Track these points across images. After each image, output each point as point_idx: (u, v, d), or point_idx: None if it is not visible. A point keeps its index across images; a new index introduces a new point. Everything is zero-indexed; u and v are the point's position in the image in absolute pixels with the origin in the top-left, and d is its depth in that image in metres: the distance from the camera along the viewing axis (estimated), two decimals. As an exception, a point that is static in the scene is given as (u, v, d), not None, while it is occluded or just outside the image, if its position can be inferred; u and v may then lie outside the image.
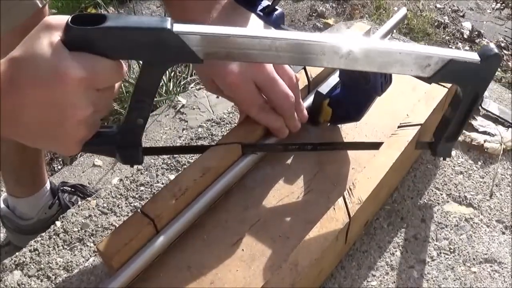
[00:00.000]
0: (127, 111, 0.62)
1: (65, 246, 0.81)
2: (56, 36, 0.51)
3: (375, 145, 0.77)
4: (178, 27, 0.54)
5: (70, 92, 0.51)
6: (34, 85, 0.50)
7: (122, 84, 1.79)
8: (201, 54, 0.56)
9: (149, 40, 0.54)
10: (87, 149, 0.63)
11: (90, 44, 0.52)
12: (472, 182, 0.87)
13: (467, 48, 2.49)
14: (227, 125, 1.01)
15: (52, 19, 0.52)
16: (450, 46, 2.50)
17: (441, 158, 0.90)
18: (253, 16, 0.76)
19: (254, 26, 0.75)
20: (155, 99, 1.71)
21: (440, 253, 0.77)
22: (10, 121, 0.53)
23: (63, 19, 0.52)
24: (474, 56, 0.62)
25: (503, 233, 0.81)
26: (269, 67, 0.72)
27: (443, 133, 0.73)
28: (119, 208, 0.85)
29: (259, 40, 0.57)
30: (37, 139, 0.57)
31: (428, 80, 0.62)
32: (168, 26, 0.54)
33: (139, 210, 0.67)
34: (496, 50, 0.62)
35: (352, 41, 0.59)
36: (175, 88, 1.79)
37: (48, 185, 1.23)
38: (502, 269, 0.76)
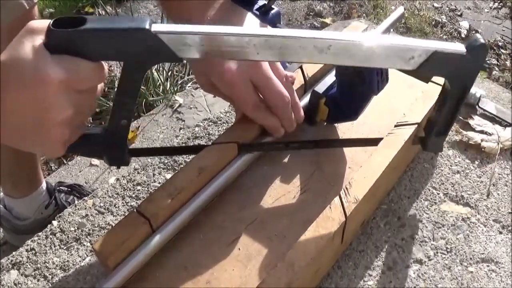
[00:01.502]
0: (111, 113, 0.62)
1: (62, 246, 0.80)
2: (39, 40, 0.52)
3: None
4: (157, 27, 0.55)
5: (51, 94, 0.52)
6: (16, 88, 0.51)
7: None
8: (180, 53, 0.57)
9: (128, 41, 0.55)
10: (73, 151, 0.63)
11: (71, 47, 0.53)
12: (469, 182, 0.87)
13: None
14: (224, 125, 1.01)
15: (35, 23, 0.53)
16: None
17: (438, 158, 0.90)
18: (249, 15, 0.76)
19: (250, 25, 0.75)
20: (152, 98, 1.71)
21: (437, 252, 0.77)
22: None
23: (46, 23, 0.53)
24: (460, 48, 0.61)
25: (500, 232, 0.80)
26: (266, 66, 0.72)
27: (433, 128, 0.73)
28: (115, 207, 0.85)
29: (237, 37, 0.57)
30: (21, 141, 0.57)
31: (413, 73, 0.61)
32: (147, 26, 0.54)
33: (135, 210, 0.67)
34: (482, 40, 0.60)
35: (332, 35, 0.58)
36: (172, 88, 1.79)
37: (44, 185, 1.23)
38: (499, 268, 0.76)
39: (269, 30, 0.58)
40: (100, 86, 0.59)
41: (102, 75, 0.56)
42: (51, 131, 0.55)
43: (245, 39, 0.57)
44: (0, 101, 0.51)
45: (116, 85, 0.60)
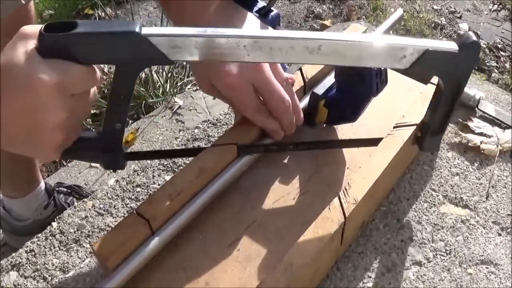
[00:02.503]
0: (105, 116, 0.63)
1: (61, 247, 0.80)
2: (31, 45, 0.52)
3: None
4: (147, 30, 0.55)
5: (43, 97, 0.52)
6: (9, 91, 0.52)
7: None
8: (171, 55, 0.57)
9: (119, 44, 0.55)
10: (69, 155, 0.63)
11: (62, 51, 0.53)
12: (469, 184, 0.87)
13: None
14: (224, 126, 1.01)
15: (28, 29, 0.53)
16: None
17: (437, 159, 0.90)
18: (250, 15, 0.76)
19: (251, 25, 0.75)
20: (152, 100, 1.71)
21: (436, 254, 0.77)
22: None
23: (38, 28, 0.53)
24: (452, 46, 0.62)
25: (499, 234, 0.81)
26: (267, 69, 0.72)
27: (428, 127, 0.73)
28: (115, 209, 0.85)
29: (228, 39, 0.57)
30: (15, 145, 0.58)
31: (406, 72, 0.62)
32: (137, 29, 0.54)
33: (134, 211, 0.67)
34: (474, 38, 0.61)
35: (321, 35, 0.59)
36: (171, 89, 1.79)
37: (42, 185, 1.23)
38: (498, 270, 0.76)
39: (258, 31, 0.58)
40: (93, 90, 0.60)
41: (94, 78, 0.57)
42: (45, 135, 0.56)
43: (235, 41, 0.57)
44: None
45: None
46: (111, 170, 0.84)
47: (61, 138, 0.57)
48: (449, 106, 0.70)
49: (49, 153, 0.59)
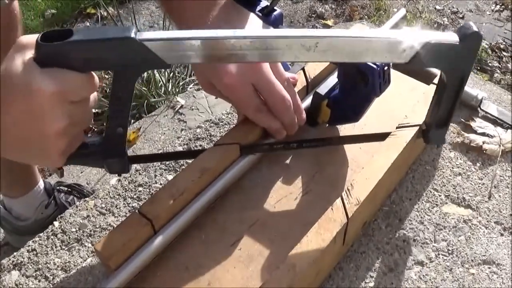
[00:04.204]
0: (107, 121, 0.63)
1: (63, 247, 0.80)
2: (29, 55, 0.53)
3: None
4: (143, 35, 0.55)
5: (43, 106, 0.53)
6: (9, 102, 0.53)
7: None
8: (168, 59, 0.57)
9: (114, 51, 0.55)
10: (73, 161, 0.63)
11: (59, 59, 0.54)
12: (471, 184, 0.87)
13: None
14: (226, 126, 1.01)
15: (24, 39, 0.54)
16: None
17: (440, 159, 0.90)
18: (252, 16, 0.76)
19: (253, 26, 0.75)
20: (154, 99, 1.71)
21: (439, 254, 0.77)
22: None
23: (35, 38, 0.54)
24: (452, 37, 0.60)
25: (502, 234, 0.80)
26: (267, 69, 0.72)
27: (433, 120, 0.72)
28: (117, 208, 0.85)
29: (223, 41, 0.57)
30: (21, 154, 0.59)
31: (407, 66, 0.60)
32: (132, 35, 0.54)
33: (137, 211, 0.67)
34: (474, 28, 0.59)
35: (318, 33, 0.58)
36: (174, 89, 1.79)
37: (41, 184, 1.23)
38: (501, 270, 0.76)
39: (253, 31, 0.58)
40: (94, 96, 0.60)
41: (93, 85, 0.57)
42: (47, 142, 0.57)
43: (230, 42, 0.57)
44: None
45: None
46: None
47: (63, 145, 0.58)
48: (453, 99, 0.68)
49: (53, 160, 0.60)
